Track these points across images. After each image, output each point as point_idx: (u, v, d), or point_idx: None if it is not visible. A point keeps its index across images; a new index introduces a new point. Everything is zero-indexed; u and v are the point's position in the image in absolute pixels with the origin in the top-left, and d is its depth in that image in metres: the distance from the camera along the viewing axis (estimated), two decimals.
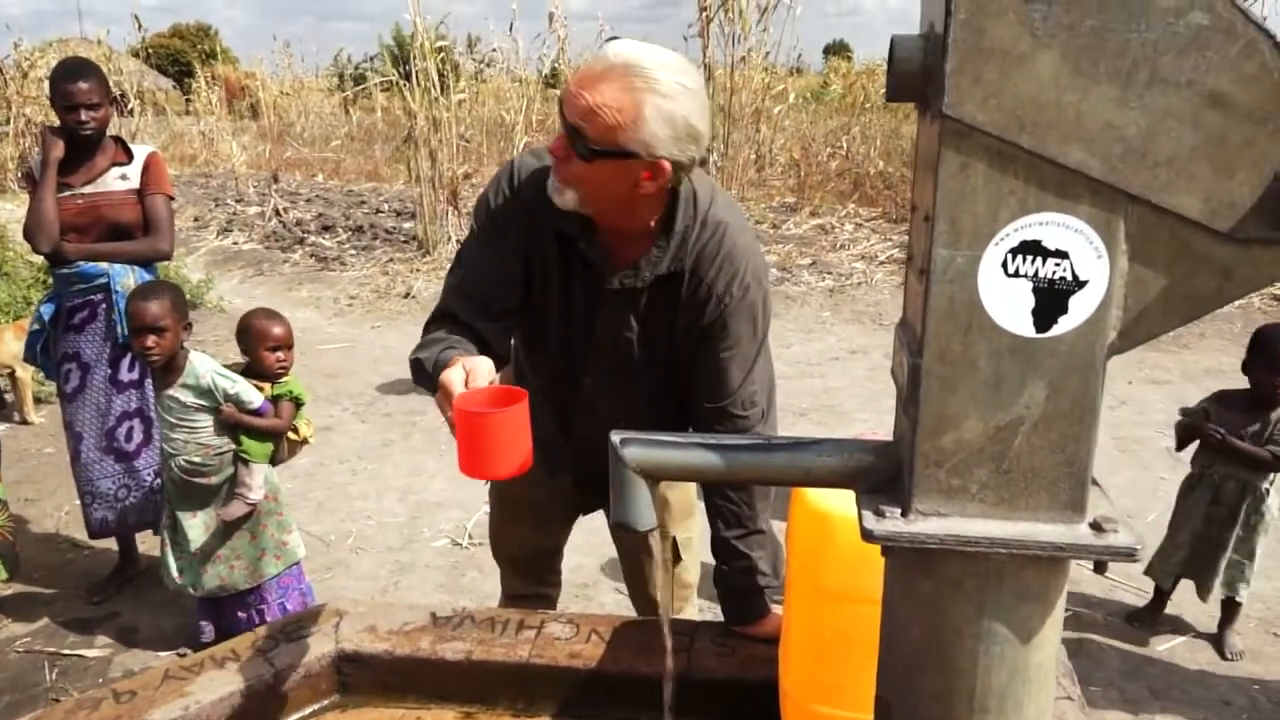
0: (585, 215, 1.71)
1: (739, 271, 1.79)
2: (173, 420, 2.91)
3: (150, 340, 2.81)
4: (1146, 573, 3.38)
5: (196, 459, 2.93)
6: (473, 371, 1.45)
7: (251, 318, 3.10)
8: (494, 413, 1.33)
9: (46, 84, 3.24)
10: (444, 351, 1.63)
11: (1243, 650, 3.23)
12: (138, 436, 3.46)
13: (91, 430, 3.44)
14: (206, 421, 2.93)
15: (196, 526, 2.98)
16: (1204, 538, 3.23)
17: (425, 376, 1.66)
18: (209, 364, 2.95)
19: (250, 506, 2.98)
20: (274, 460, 3.09)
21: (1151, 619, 3.40)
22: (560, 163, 1.63)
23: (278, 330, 3.05)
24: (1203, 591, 3.25)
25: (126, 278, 3.36)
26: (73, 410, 3.45)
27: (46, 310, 3.43)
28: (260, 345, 3.03)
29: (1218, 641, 3.28)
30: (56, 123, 3.35)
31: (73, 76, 3.24)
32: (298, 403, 3.11)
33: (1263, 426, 3.13)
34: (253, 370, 3.05)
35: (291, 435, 3.13)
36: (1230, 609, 3.27)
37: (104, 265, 3.34)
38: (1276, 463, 3.09)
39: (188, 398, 2.90)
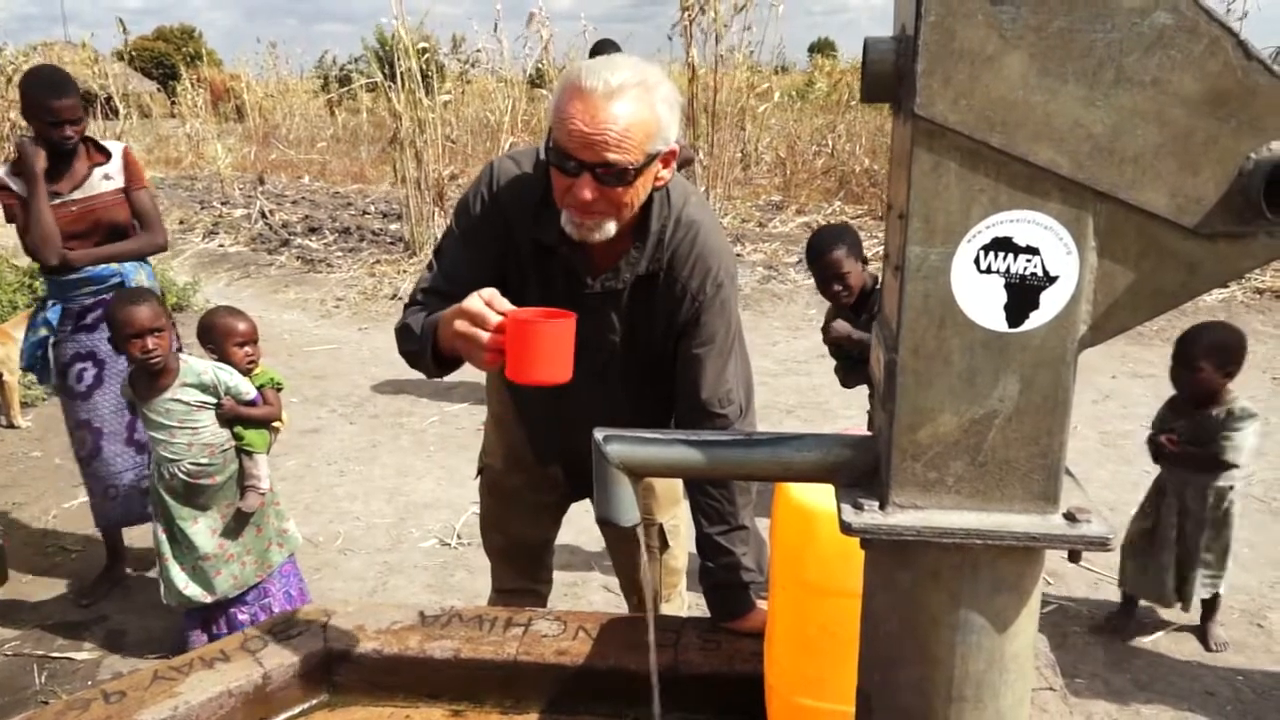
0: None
1: (712, 269, 1.82)
2: (173, 424, 2.89)
3: (151, 342, 2.81)
4: (1121, 585, 3.39)
5: (204, 459, 2.93)
6: (493, 297, 1.50)
7: (215, 316, 3.11)
8: (545, 321, 1.47)
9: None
10: (434, 314, 1.66)
11: (1227, 641, 3.25)
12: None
13: (112, 424, 3.47)
14: (208, 420, 2.94)
15: (201, 532, 2.97)
16: (1182, 559, 3.21)
17: (414, 338, 1.71)
18: (203, 361, 2.97)
19: (262, 495, 3.03)
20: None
21: (1126, 623, 3.39)
22: (594, 204, 1.61)
23: (243, 326, 3.07)
24: (1186, 604, 3.25)
25: (138, 274, 3.46)
26: (89, 408, 3.45)
27: (54, 315, 3.43)
28: (228, 342, 3.04)
29: (1202, 633, 3.30)
30: (31, 131, 3.34)
31: (56, 92, 3.23)
32: (278, 387, 3.15)
33: (1202, 426, 3.13)
34: None
35: (275, 423, 3.15)
36: (1212, 601, 3.29)
37: (114, 265, 3.41)
38: (1217, 461, 3.09)
39: (192, 397, 2.90)
